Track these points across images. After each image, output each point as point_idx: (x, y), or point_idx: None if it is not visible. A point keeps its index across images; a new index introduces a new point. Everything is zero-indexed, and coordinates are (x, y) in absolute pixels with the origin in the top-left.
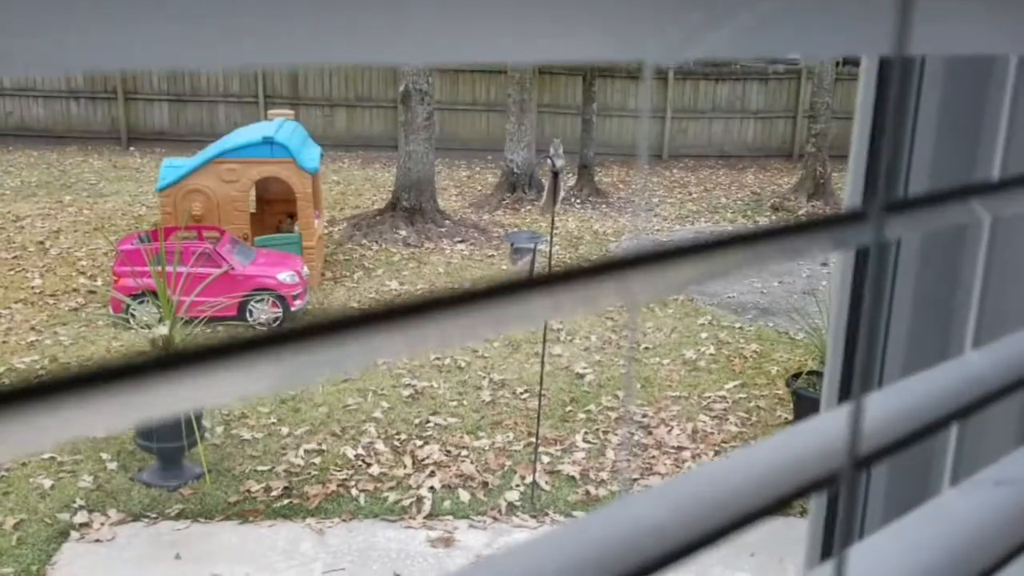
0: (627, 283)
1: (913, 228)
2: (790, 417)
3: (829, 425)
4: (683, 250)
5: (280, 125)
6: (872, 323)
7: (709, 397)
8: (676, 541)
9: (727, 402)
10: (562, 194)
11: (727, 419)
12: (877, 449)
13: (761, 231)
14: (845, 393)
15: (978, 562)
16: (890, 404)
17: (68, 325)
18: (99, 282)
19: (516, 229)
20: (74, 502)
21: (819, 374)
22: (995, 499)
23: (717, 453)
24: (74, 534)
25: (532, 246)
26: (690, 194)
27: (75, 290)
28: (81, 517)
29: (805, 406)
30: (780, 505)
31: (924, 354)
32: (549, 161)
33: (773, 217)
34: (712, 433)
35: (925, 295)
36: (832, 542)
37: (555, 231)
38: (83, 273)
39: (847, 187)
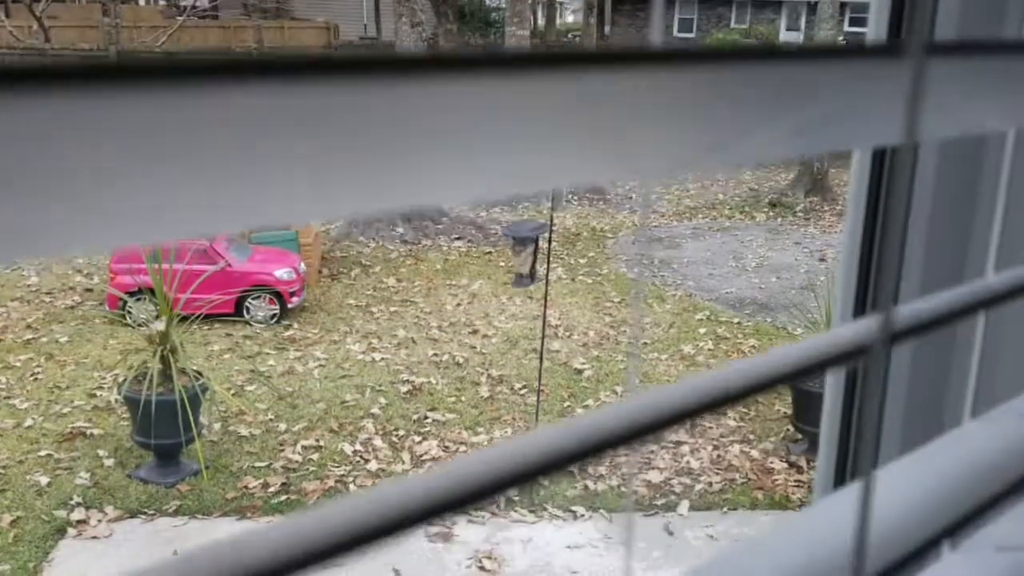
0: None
1: (957, 80)
2: (788, 411)
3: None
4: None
5: None
6: (891, 230)
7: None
8: (678, 406)
9: None
10: (564, 191)
11: (725, 413)
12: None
13: (776, 49)
14: (861, 308)
15: (1000, 485)
16: (918, 305)
17: (64, 323)
18: (95, 280)
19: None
20: (71, 499)
21: None
22: (1018, 429)
23: (715, 448)
24: (71, 531)
25: (534, 236)
26: (687, 190)
27: (71, 288)
28: (78, 514)
29: (803, 400)
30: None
31: (941, 275)
32: None
33: (771, 213)
34: (710, 427)
35: (943, 213)
36: (844, 473)
37: (552, 228)
38: (79, 271)
39: (871, 27)
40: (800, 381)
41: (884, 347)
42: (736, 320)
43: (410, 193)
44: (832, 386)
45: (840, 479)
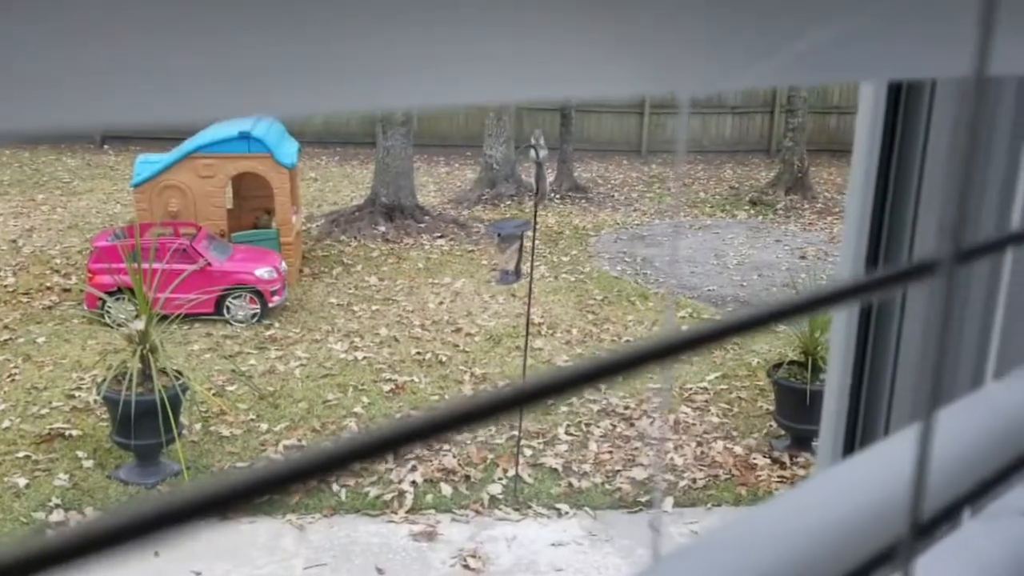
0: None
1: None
2: (771, 408)
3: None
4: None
5: (256, 120)
6: (907, 177)
7: (691, 388)
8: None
9: (708, 393)
10: (548, 184)
11: (709, 410)
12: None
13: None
14: (873, 259)
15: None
16: None
17: (42, 323)
18: (73, 280)
19: (501, 219)
20: (50, 501)
21: (800, 364)
22: None
23: (699, 444)
24: (50, 533)
25: (519, 233)
26: (669, 189)
27: (49, 288)
28: (57, 516)
29: (786, 396)
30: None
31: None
32: (532, 151)
33: (751, 211)
34: (694, 424)
35: (959, 160)
36: (854, 444)
37: (535, 226)
38: (57, 271)
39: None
40: (866, 301)
41: (951, 265)
42: (718, 317)
43: (420, 91)
44: (839, 353)
45: (849, 446)
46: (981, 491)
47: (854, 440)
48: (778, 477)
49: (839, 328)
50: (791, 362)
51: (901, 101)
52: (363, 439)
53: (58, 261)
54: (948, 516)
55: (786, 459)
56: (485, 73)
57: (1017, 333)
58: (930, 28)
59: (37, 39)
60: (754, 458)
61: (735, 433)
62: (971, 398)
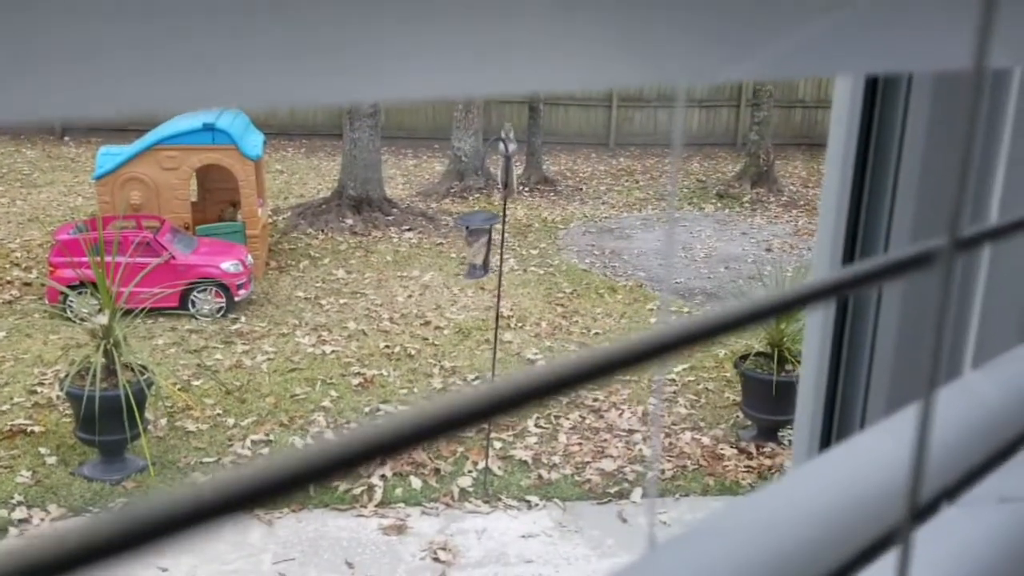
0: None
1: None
2: (738, 398)
3: None
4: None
5: (221, 112)
6: (882, 172)
7: (658, 380)
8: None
9: (676, 385)
10: (516, 179)
11: (677, 401)
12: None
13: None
14: (849, 256)
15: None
16: None
17: (2, 318)
18: (34, 274)
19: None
20: (12, 498)
21: (766, 355)
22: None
23: (667, 435)
24: (13, 531)
25: (487, 227)
26: (637, 182)
27: (9, 282)
28: (20, 513)
29: (752, 387)
30: None
31: (936, 220)
32: (501, 144)
33: (718, 204)
34: (662, 415)
35: (937, 154)
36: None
37: (505, 219)
38: (17, 265)
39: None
40: (864, 291)
41: (951, 254)
42: (687, 310)
43: (411, 82)
44: (815, 344)
45: (826, 439)
46: (966, 480)
47: (831, 431)
48: (745, 467)
49: (815, 318)
50: (757, 353)
51: (878, 94)
52: (363, 439)
53: (18, 255)
54: (935, 504)
55: (753, 449)
56: (480, 64)
57: (994, 323)
58: (929, 19)
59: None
60: (721, 448)
61: (702, 424)
62: (951, 387)
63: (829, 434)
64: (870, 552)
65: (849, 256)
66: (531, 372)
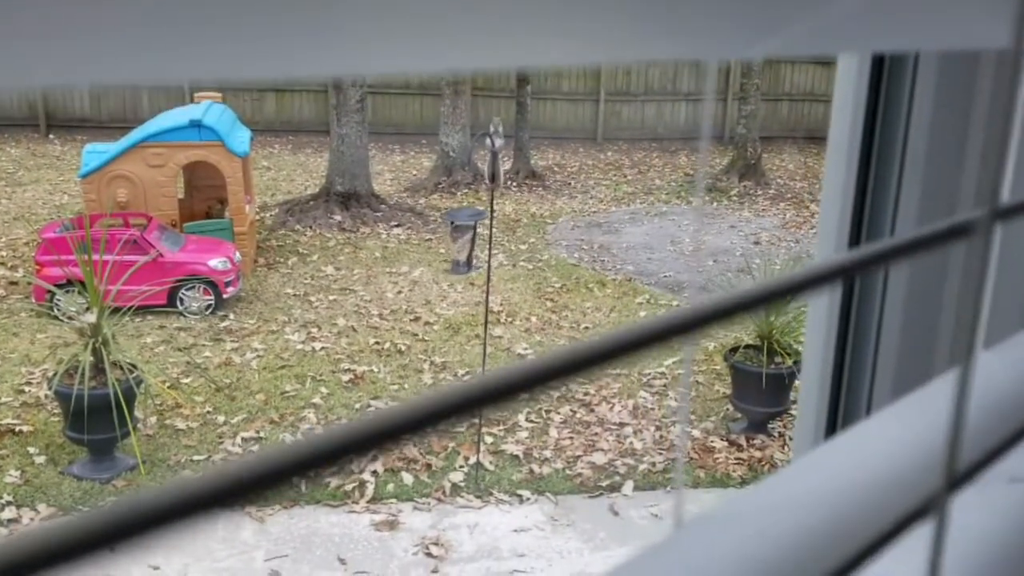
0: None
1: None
2: (728, 391)
3: None
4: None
5: (207, 108)
6: (888, 157)
7: (649, 374)
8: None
9: (666, 378)
10: (503, 174)
11: (667, 395)
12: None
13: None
14: (855, 240)
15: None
16: None
17: None
18: (20, 273)
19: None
20: (1, 498)
21: (756, 348)
22: None
23: (658, 428)
24: (2, 530)
25: (472, 223)
26: (625, 176)
27: None
28: (9, 513)
29: (743, 379)
30: None
31: (942, 203)
32: (488, 140)
33: (706, 197)
34: (652, 409)
35: (942, 138)
36: (836, 422)
37: (493, 214)
38: (3, 264)
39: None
40: (900, 263)
41: (989, 224)
42: (676, 303)
43: (433, 54)
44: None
45: (832, 425)
46: (984, 460)
47: (836, 417)
48: (735, 459)
49: (818, 304)
50: (747, 346)
51: (883, 77)
52: (360, 429)
53: (4, 253)
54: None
55: (743, 442)
56: (506, 37)
57: (1006, 304)
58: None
59: None
60: (712, 441)
61: (693, 417)
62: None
63: (834, 420)
64: (904, 523)
65: (855, 240)
66: (522, 364)
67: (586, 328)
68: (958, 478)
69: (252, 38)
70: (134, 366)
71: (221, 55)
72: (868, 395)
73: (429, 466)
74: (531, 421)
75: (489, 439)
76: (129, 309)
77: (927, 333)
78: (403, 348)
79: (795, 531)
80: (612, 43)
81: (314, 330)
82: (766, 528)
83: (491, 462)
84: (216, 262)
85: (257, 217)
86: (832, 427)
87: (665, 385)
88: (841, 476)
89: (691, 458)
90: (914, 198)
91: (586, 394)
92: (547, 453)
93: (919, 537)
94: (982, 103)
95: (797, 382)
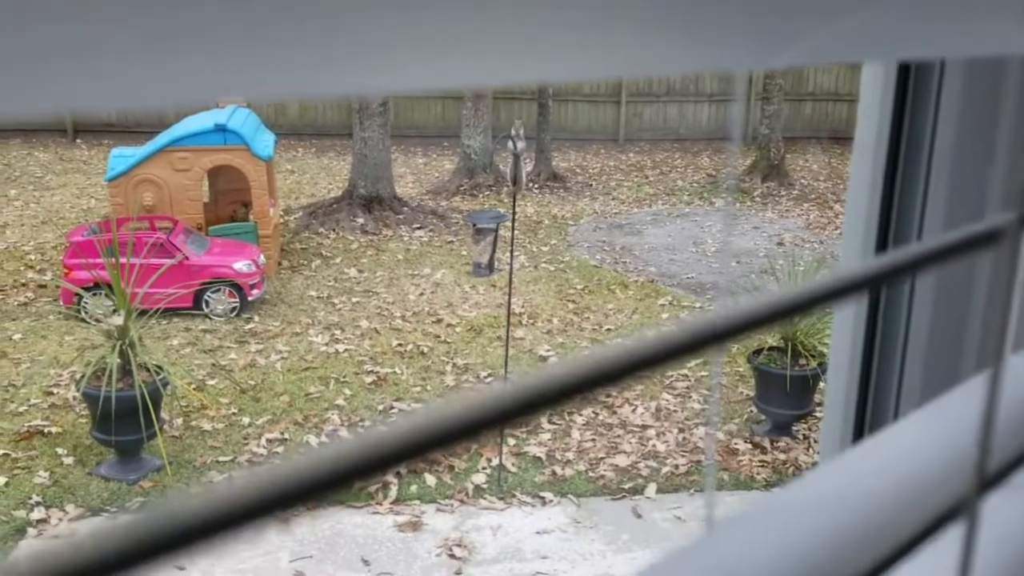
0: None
1: None
2: (751, 393)
3: None
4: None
5: (232, 112)
6: (915, 160)
7: (671, 376)
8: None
9: (689, 380)
10: (524, 176)
11: (690, 396)
12: None
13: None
14: (882, 246)
15: None
16: None
17: (18, 320)
18: (48, 276)
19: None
20: (30, 498)
21: (779, 350)
22: None
23: (681, 431)
24: (31, 531)
25: (494, 226)
26: (647, 177)
27: (24, 284)
28: (38, 513)
29: (766, 381)
30: None
31: (968, 208)
32: (510, 143)
33: (729, 199)
34: (675, 411)
35: (969, 141)
36: (864, 426)
37: (514, 216)
38: (32, 267)
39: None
40: (928, 270)
41: (1017, 230)
42: (699, 305)
43: (454, 71)
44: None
45: (859, 430)
46: (1015, 463)
47: (863, 421)
48: (759, 461)
49: (843, 309)
50: (771, 348)
51: (909, 83)
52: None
53: (32, 257)
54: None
55: (767, 444)
56: (529, 52)
57: None
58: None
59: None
60: (735, 443)
61: (716, 419)
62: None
63: (862, 423)
64: (935, 525)
65: (882, 246)
66: (546, 374)
67: (608, 330)
68: (989, 480)
69: (273, 57)
70: (160, 368)
71: (245, 73)
72: (896, 398)
73: (452, 467)
74: (553, 423)
75: (512, 441)
76: (155, 311)
77: (955, 336)
78: (425, 350)
79: (827, 532)
80: (637, 56)
81: (337, 332)
82: (798, 529)
83: (514, 464)
84: (241, 265)
85: (281, 220)
86: (859, 430)
87: (688, 387)
88: (872, 478)
89: (714, 460)
90: (941, 203)
91: (608, 396)
92: (570, 455)
93: (950, 539)
94: (1009, 108)
95: (822, 384)
